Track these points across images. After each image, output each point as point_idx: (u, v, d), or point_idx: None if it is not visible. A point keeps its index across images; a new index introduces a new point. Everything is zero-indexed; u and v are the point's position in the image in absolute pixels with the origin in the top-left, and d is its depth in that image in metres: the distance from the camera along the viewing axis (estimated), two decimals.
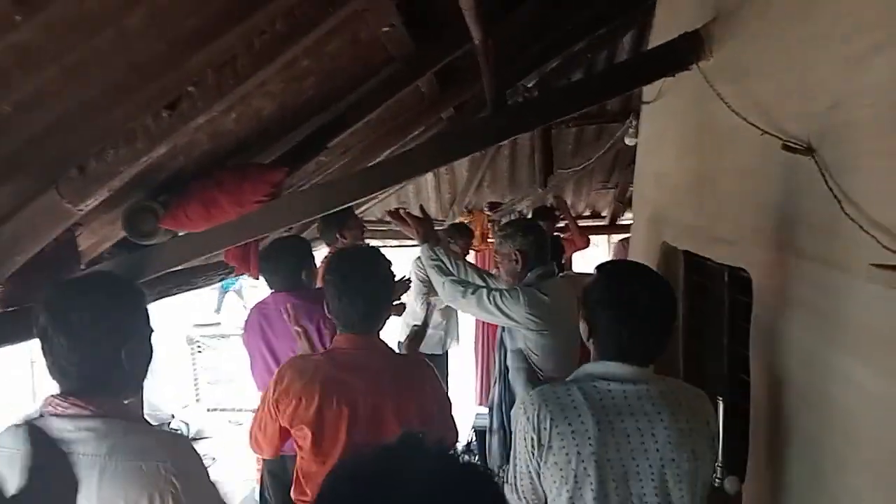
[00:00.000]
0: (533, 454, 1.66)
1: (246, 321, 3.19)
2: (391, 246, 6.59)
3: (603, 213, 7.43)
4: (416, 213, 3.12)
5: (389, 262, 2.20)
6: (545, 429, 1.62)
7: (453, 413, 2.25)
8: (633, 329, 1.62)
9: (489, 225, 6.75)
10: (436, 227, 3.20)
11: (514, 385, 2.81)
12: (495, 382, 3.01)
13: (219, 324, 11.35)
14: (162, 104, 1.78)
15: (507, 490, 1.82)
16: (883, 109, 1.39)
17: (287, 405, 2.04)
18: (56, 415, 1.39)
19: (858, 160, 1.46)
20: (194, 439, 6.58)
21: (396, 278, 2.32)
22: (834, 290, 1.55)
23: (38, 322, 1.42)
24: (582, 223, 7.22)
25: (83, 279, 1.64)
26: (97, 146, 1.82)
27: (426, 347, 5.24)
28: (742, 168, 2.11)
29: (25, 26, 1.25)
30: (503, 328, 2.90)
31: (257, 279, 3.19)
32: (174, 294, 3.35)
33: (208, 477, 1.52)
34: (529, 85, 4.56)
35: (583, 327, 1.75)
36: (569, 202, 7.28)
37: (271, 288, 3.12)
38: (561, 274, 3.60)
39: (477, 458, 5.28)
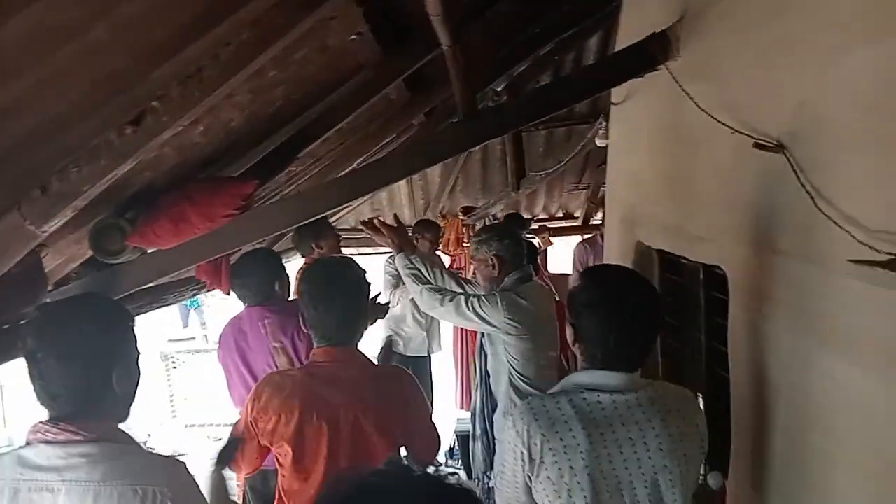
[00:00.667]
0: (523, 468, 1.64)
1: (220, 336, 3.14)
2: (366, 254, 6.55)
3: (576, 214, 7.47)
4: (391, 221, 3.10)
5: (364, 272, 2.18)
6: (535, 444, 1.60)
7: (434, 421, 2.23)
8: (622, 335, 1.61)
9: (464, 229, 6.75)
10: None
11: (496, 391, 2.80)
12: (476, 388, 3.00)
13: (193, 338, 11.18)
14: (126, 119, 1.73)
15: (497, 498, 1.81)
16: (852, 106, 1.40)
17: (266, 423, 2.00)
18: (46, 441, 1.35)
19: (830, 156, 1.48)
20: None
21: (372, 292, 2.28)
22: (810, 286, 1.56)
23: (25, 345, 1.39)
24: (555, 224, 7.27)
25: (72, 301, 1.62)
26: (60, 165, 1.76)
27: (410, 350, 5.27)
28: (714, 166, 2.12)
29: None
30: (483, 334, 2.89)
31: (228, 294, 3.14)
32: (146, 312, 3.28)
33: (205, 501, 1.49)
34: (499, 89, 4.57)
35: (569, 332, 1.74)
36: (541, 204, 7.33)
37: (243, 303, 3.07)
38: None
39: (459, 462, 5.28)
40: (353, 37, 2.24)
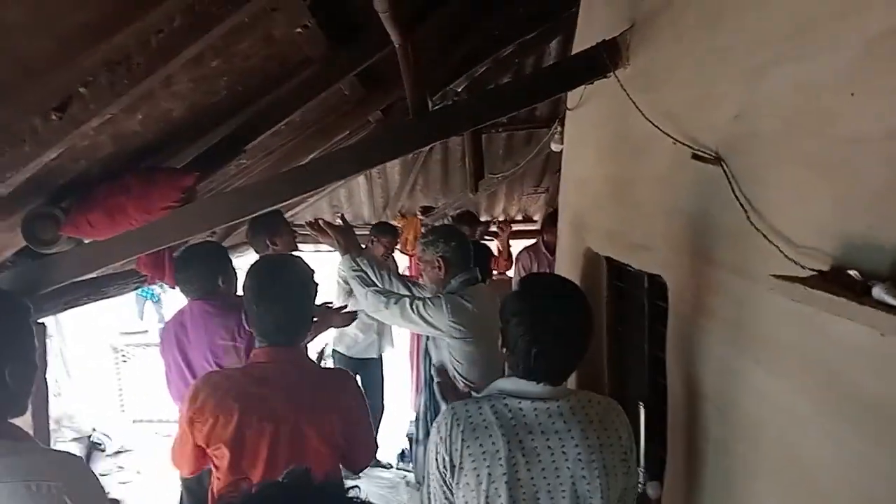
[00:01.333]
0: (445, 473, 1.63)
1: (163, 330, 3.07)
2: (325, 251, 6.46)
3: (535, 217, 7.48)
4: (338, 222, 3.06)
5: (311, 271, 2.12)
6: (457, 449, 1.59)
7: (372, 428, 2.19)
8: (544, 348, 1.59)
9: (422, 229, 6.71)
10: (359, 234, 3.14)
11: (440, 395, 2.77)
12: (421, 392, 2.97)
13: (146, 331, 10.93)
14: (51, 105, 1.66)
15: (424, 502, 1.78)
16: (782, 120, 1.41)
17: (203, 424, 1.93)
18: None
19: (762, 170, 1.48)
20: (118, 452, 6.31)
21: (319, 292, 2.23)
22: (741, 298, 1.57)
23: None
24: (514, 227, 7.28)
25: None
26: None
27: (360, 352, 5.20)
28: (656, 175, 2.12)
29: None
30: (428, 337, 2.86)
31: (174, 288, 3.06)
32: (84, 304, 3.18)
33: (105, 497, 1.44)
34: (459, 89, 4.55)
35: (500, 338, 1.72)
36: (501, 206, 7.33)
37: (186, 296, 2.99)
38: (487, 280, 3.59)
39: (412, 465, 5.25)
40: (298, 30, 2.18)
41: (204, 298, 2.92)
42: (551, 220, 5.25)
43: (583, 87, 2.69)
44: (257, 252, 3.56)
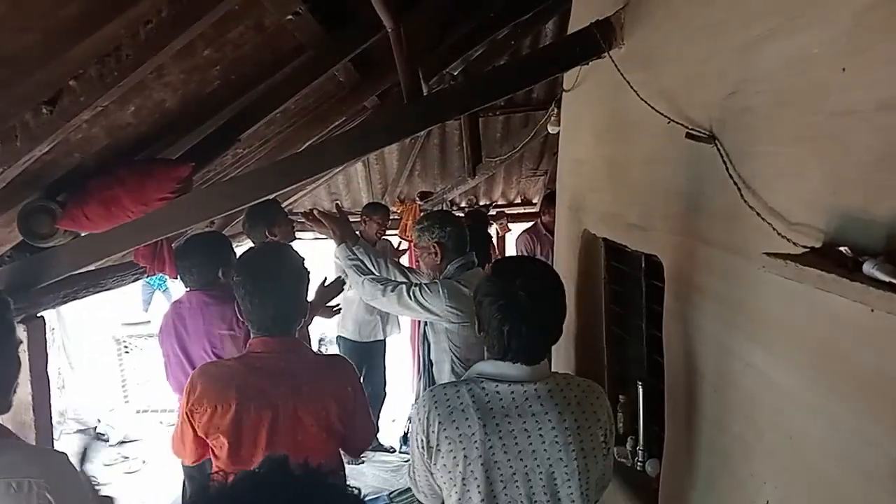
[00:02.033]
0: (423, 455, 1.66)
1: (162, 320, 3.08)
2: (323, 239, 6.45)
3: (534, 200, 7.46)
4: (335, 211, 3.05)
5: (301, 259, 2.13)
6: (433, 431, 1.61)
7: (370, 414, 2.21)
8: (515, 330, 1.60)
9: (421, 214, 6.70)
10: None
11: (439, 379, 2.79)
12: (420, 377, 2.98)
13: (148, 322, 10.95)
14: (42, 99, 1.66)
15: (411, 485, 1.82)
16: (775, 96, 1.40)
17: (202, 414, 1.95)
18: None
19: (755, 147, 1.48)
20: (122, 442, 6.35)
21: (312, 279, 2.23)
22: (735, 277, 1.57)
23: None
24: (513, 210, 7.27)
25: None
26: None
27: (366, 335, 5.22)
28: (651, 156, 2.12)
29: None
30: (426, 322, 2.87)
31: (175, 278, 3.07)
32: (83, 297, 3.17)
33: (86, 493, 1.45)
34: (455, 73, 4.53)
35: (477, 322, 1.74)
36: (500, 189, 7.32)
37: (186, 286, 3.01)
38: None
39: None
40: (289, 17, 2.17)
41: (202, 289, 2.93)
42: (549, 200, 5.23)
43: (578, 68, 2.68)
44: (254, 242, 3.56)
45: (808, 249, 1.19)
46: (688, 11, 1.84)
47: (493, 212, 6.95)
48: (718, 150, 1.61)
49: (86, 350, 7.81)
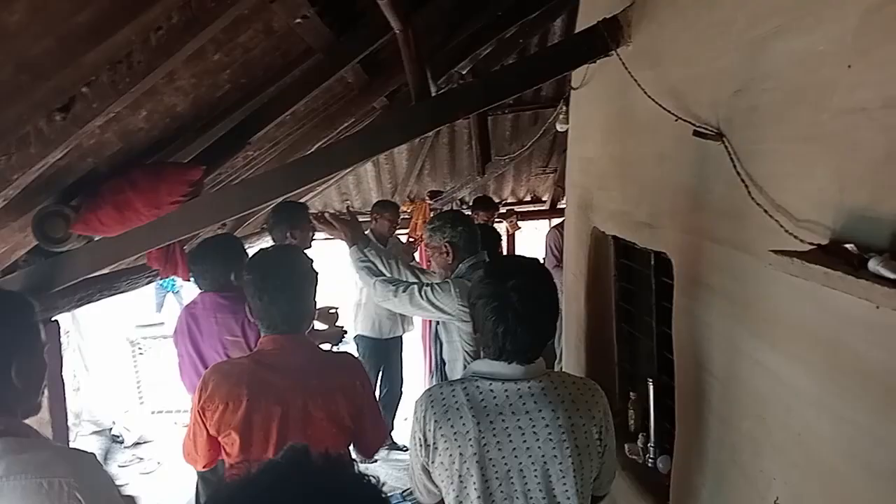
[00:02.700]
0: (421, 454, 1.69)
1: (177, 321, 3.11)
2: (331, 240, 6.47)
3: (543, 198, 7.47)
4: (345, 213, 3.08)
5: (310, 260, 2.16)
6: (430, 430, 1.64)
7: (380, 414, 2.23)
8: (508, 329, 1.61)
9: (431, 214, 6.71)
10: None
11: (452, 378, 2.80)
12: (432, 376, 2.99)
13: (162, 324, 11.02)
14: (55, 106, 1.68)
15: (411, 484, 1.85)
16: (783, 94, 1.40)
17: (214, 411, 1.98)
18: None
19: (763, 144, 1.48)
20: (137, 443, 6.41)
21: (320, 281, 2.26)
22: (743, 274, 1.57)
23: None
24: (522, 208, 7.26)
25: None
26: None
27: (386, 332, 5.23)
28: (659, 153, 2.12)
29: None
30: (438, 322, 2.88)
31: (188, 280, 3.10)
32: (97, 300, 3.21)
33: (117, 492, 1.46)
34: (464, 72, 4.53)
35: (472, 322, 1.75)
36: (510, 187, 7.32)
37: (200, 288, 3.03)
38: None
39: None
40: (298, 20, 2.19)
41: (216, 291, 2.95)
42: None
43: (586, 66, 2.68)
44: (275, 241, 3.58)
45: (814, 246, 1.20)
46: (695, 10, 1.84)
47: (502, 209, 6.94)
48: (726, 147, 1.61)
49: (101, 352, 7.87)
